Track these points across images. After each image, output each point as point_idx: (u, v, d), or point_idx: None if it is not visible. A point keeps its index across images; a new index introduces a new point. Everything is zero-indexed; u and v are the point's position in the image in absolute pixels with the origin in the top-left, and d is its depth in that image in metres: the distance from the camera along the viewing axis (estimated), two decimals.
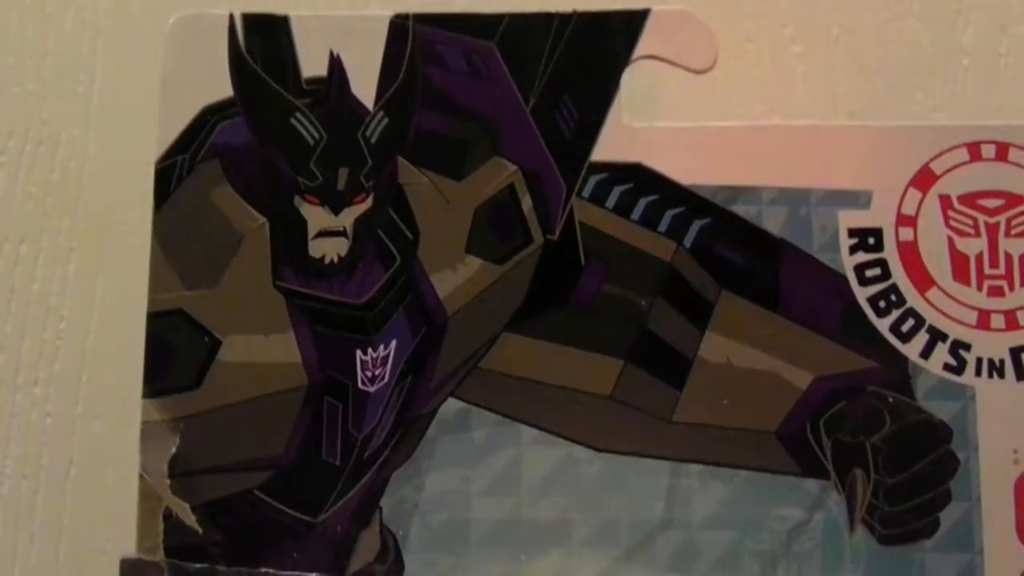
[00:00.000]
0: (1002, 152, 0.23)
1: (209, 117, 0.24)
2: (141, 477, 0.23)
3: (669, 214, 0.23)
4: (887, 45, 0.24)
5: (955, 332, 0.23)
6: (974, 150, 0.23)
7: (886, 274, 0.23)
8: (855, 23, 0.25)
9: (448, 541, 0.23)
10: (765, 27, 0.24)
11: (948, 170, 0.23)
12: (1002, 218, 0.23)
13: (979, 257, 0.23)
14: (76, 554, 0.24)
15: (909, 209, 0.23)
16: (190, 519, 0.23)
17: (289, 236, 0.23)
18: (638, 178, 0.23)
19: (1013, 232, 0.23)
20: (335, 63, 0.23)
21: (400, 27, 0.24)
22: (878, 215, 0.23)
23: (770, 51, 0.24)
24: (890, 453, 0.23)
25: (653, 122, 0.23)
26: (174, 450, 0.23)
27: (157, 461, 0.23)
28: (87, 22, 0.27)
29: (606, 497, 0.23)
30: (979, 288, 0.23)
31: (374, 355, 0.23)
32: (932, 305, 0.23)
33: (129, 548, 0.22)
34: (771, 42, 0.24)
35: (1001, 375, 0.23)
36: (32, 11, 0.28)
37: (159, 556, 0.22)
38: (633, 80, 0.23)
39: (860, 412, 0.23)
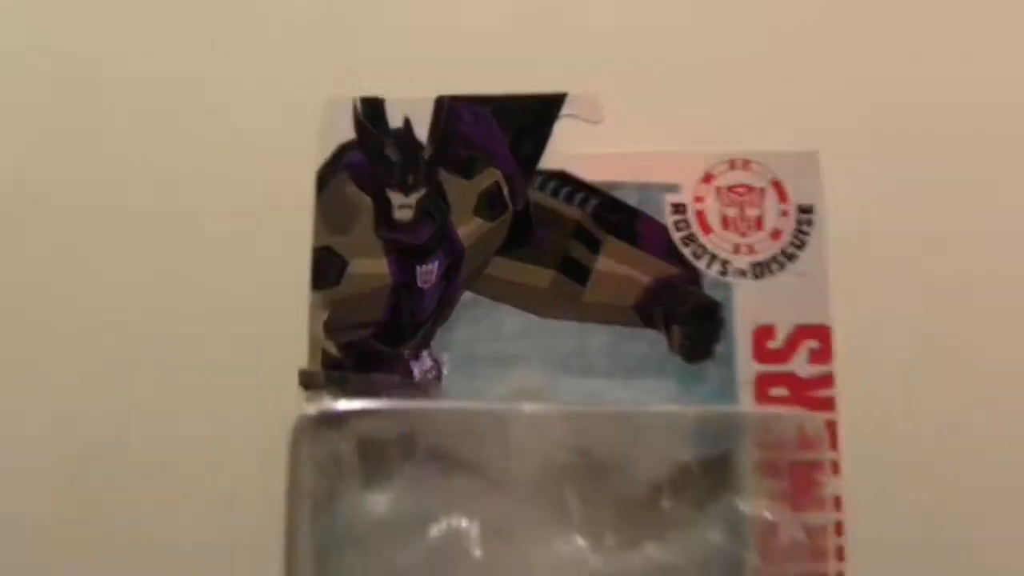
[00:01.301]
0: (745, 164, 0.44)
1: (342, 151, 0.44)
2: (310, 332, 0.43)
3: (579, 196, 0.41)
4: (695, 101, 0.44)
5: (722, 255, 0.42)
6: (732, 163, 0.44)
7: (688, 226, 0.43)
8: (676, 92, 0.44)
9: (466, 365, 0.40)
10: (635, 100, 0.44)
11: (719, 174, 0.43)
12: (745, 198, 0.43)
13: (735, 218, 0.43)
14: (266, 379, 0.43)
15: (700, 193, 0.43)
16: (334, 352, 0.42)
17: (383, 209, 0.43)
18: (562, 177, 0.42)
19: (749, 205, 0.43)
20: (407, 121, 0.44)
21: (440, 101, 0.43)
22: (685, 196, 0.43)
23: (635, 113, 0.44)
24: (690, 317, 0.42)
25: (571, 150, 0.44)
26: (326, 317, 0.43)
27: (318, 323, 0.42)
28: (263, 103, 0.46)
29: (546, 341, 0.41)
30: (735, 232, 0.43)
31: (427, 269, 0.43)
32: (711, 242, 0.43)
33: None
34: (637, 108, 0.44)
35: (745, 276, 0.43)
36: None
37: (319, 368, 0.42)
38: (558, 128, 0.43)
39: (676, 296, 0.42)
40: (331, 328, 0.42)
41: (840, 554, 0.41)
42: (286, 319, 0.42)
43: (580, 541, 0.39)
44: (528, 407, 0.39)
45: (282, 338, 0.42)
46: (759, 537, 0.40)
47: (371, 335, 0.42)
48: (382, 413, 0.39)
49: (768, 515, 0.39)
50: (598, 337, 0.42)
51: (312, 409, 0.40)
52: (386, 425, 0.40)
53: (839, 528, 0.41)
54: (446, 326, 0.41)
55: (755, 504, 0.39)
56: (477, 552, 0.38)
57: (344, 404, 0.40)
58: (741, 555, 0.39)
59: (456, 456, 0.40)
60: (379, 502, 0.39)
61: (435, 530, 0.39)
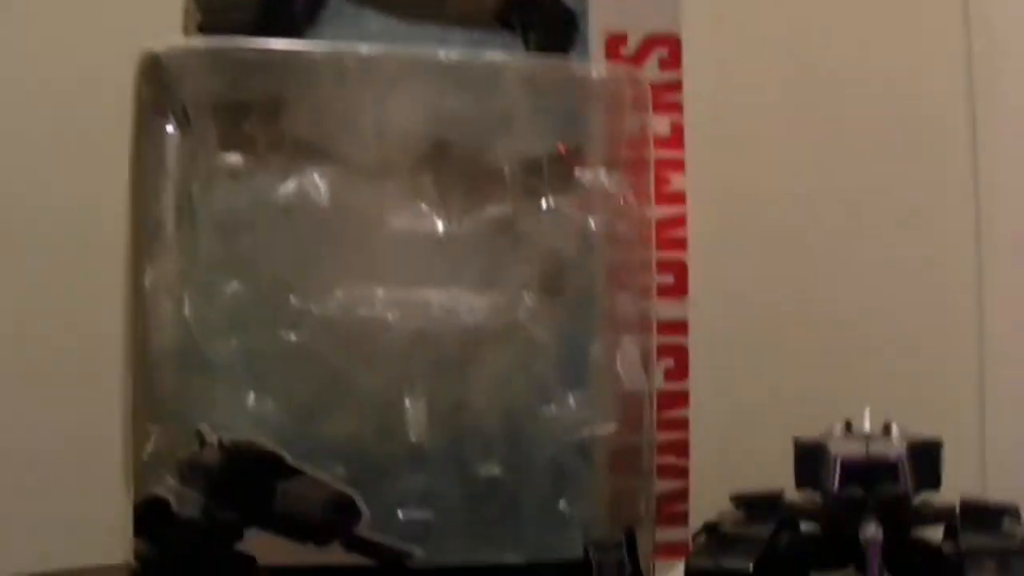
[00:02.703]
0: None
1: None
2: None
3: None
4: None
5: None
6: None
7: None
8: None
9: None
10: None
11: None
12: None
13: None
14: None
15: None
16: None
17: None
18: None
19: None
20: None
21: None
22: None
23: None
24: (547, 22, 0.44)
25: None
26: (199, 18, 0.44)
27: (192, 23, 0.44)
28: None
29: (408, 44, 0.43)
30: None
31: None
32: None
33: None
34: None
35: None
36: None
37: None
38: None
39: (534, 3, 0.45)
40: (206, 28, 0.43)
41: (683, 244, 0.43)
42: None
43: (426, 207, 0.40)
44: (364, 48, 0.41)
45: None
46: (599, 208, 0.41)
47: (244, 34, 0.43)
48: (228, 57, 0.41)
49: (607, 186, 0.41)
50: (456, 40, 0.43)
51: (159, 46, 0.40)
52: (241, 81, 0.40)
53: (681, 221, 0.43)
54: (314, 28, 0.43)
55: (595, 175, 0.41)
56: (324, 204, 0.39)
57: (185, 41, 0.41)
58: (583, 222, 0.41)
59: (317, 144, 0.41)
60: (235, 171, 0.41)
61: (286, 188, 0.40)
